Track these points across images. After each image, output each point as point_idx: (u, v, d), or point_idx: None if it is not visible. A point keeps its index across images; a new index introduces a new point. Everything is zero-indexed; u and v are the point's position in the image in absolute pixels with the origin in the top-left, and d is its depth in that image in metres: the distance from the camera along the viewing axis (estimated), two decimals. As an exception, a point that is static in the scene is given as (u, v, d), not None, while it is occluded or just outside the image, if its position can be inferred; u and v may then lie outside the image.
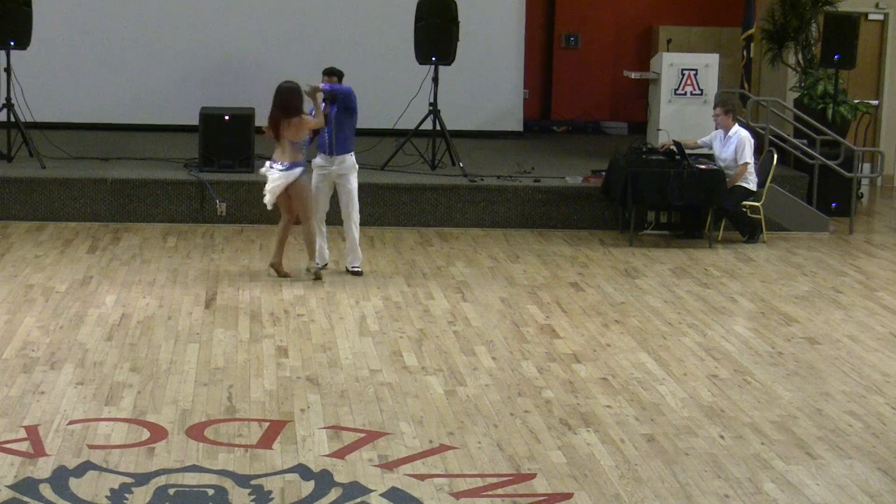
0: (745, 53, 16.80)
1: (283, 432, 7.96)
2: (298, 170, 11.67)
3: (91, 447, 7.59)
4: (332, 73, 12.22)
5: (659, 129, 15.55)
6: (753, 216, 14.32)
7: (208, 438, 7.82)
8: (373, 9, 18.15)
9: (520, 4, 18.65)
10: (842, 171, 15.41)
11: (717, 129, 14.34)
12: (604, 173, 14.68)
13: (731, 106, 14.35)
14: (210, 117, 14.96)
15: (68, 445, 7.61)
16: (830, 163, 15.40)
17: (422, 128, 15.67)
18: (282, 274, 11.93)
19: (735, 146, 14.10)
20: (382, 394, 8.78)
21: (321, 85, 11.85)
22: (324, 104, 11.81)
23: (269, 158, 11.83)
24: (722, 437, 8.15)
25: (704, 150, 14.45)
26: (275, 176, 11.66)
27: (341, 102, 11.85)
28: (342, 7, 18.23)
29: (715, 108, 14.50)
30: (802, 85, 16.85)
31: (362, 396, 8.71)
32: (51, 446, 7.60)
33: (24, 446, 7.59)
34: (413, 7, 15.88)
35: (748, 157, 14.07)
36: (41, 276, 11.75)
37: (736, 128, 14.20)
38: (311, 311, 10.90)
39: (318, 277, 11.87)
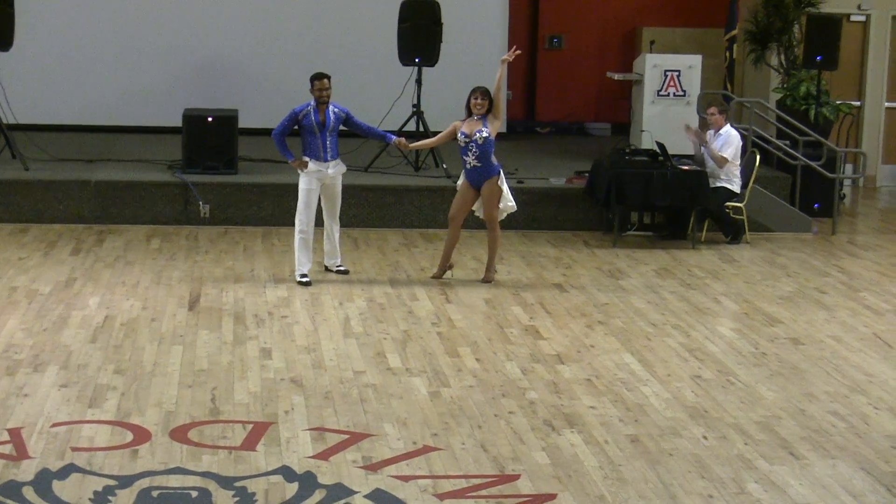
0: (728, 55, 16.83)
1: (266, 434, 7.96)
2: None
3: (74, 449, 7.58)
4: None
5: (642, 131, 15.58)
6: (736, 217, 14.34)
7: (192, 440, 7.81)
8: (357, 10, 18.13)
9: (504, 6, 18.65)
10: (824, 171, 15.44)
11: (709, 128, 14.41)
12: (588, 174, 14.70)
13: (726, 107, 14.50)
14: (193, 119, 14.92)
15: (52, 448, 7.59)
16: (813, 164, 15.43)
17: (405, 129, 15.65)
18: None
19: (723, 142, 14.15)
20: (366, 395, 8.77)
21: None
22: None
23: None
24: (705, 437, 8.16)
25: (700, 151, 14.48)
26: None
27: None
28: (326, 8, 18.21)
29: (709, 107, 14.57)
30: (785, 86, 16.89)
31: (346, 398, 8.71)
32: (34, 449, 7.58)
33: (7, 449, 7.58)
34: (397, 8, 15.88)
35: (730, 154, 14.11)
36: (25, 278, 11.72)
37: (727, 127, 14.28)
38: (294, 312, 10.89)
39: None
